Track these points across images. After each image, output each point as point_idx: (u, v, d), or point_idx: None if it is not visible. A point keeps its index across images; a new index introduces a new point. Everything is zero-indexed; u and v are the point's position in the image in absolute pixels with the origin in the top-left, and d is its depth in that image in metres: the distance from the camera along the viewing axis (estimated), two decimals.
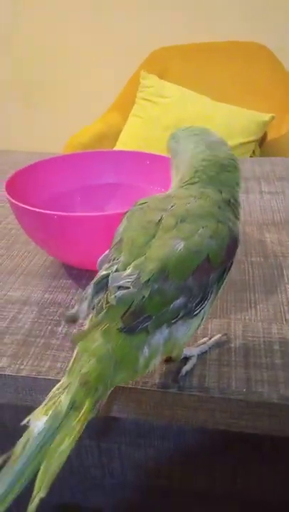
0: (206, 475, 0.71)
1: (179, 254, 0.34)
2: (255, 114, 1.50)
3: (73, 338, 0.34)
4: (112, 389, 0.34)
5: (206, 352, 0.42)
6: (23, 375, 0.41)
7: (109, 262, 0.36)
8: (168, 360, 0.41)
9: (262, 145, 1.60)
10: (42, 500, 0.29)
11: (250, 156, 1.52)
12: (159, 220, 0.36)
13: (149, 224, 0.36)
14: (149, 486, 0.76)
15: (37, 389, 0.42)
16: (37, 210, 0.49)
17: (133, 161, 0.67)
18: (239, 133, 1.48)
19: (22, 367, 0.42)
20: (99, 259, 0.38)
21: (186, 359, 0.41)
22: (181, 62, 1.72)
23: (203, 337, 0.44)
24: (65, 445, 0.30)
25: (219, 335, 0.43)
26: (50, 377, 0.41)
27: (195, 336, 0.43)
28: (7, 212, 0.72)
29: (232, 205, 0.39)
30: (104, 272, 0.35)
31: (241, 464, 0.68)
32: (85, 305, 0.35)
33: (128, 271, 0.34)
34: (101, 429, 0.71)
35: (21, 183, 0.58)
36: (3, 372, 0.42)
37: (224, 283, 0.37)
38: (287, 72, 1.66)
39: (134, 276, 0.33)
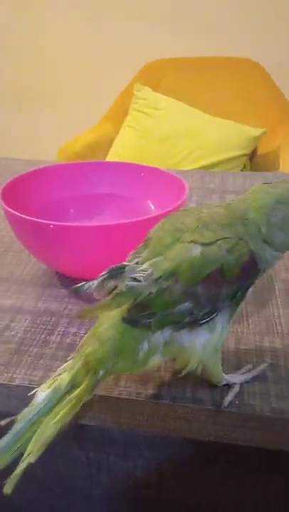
0: (193, 486, 0.71)
1: (194, 259, 0.35)
2: (247, 129, 1.52)
3: (79, 313, 0.36)
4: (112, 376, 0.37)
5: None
6: (15, 384, 0.41)
7: (133, 255, 0.38)
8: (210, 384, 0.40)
9: (252, 159, 1.62)
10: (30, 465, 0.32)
11: (241, 170, 1.55)
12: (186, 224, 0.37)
13: (179, 227, 0.37)
14: (138, 496, 0.75)
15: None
16: (31, 218, 0.49)
17: (129, 173, 0.68)
18: (230, 147, 1.50)
19: (15, 376, 0.42)
20: (130, 252, 0.39)
21: (228, 387, 0.40)
22: (175, 75, 1.74)
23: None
24: (58, 418, 0.34)
25: (265, 364, 0.42)
26: None
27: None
28: (0, 220, 0.72)
29: (263, 235, 0.38)
30: (125, 263, 0.37)
31: (230, 474, 0.68)
32: (95, 282, 0.35)
33: (144, 266, 0.36)
34: (90, 439, 0.70)
35: (16, 191, 0.58)
36: None
37: (241, 302, 0.37)
38: (279, 88, 1.69)
39: (149, 271, 0.35)
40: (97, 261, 0.51)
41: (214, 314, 0.36)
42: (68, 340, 0.46)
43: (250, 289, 0.37)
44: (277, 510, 0.69)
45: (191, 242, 0.36)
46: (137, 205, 0.64)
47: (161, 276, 0.34)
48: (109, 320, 0.36)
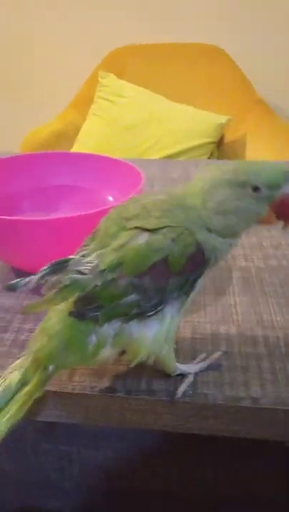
0: (164, 474, 0.72)
1: (138, 248, 0.35)
2: (213, 116, 1.52)
3: (23, 309, 0.36)
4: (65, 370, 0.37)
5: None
6: None
7: (81, 248, 0.38)
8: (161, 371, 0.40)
9: (220, 147, 1.62)
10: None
11: (209, 158, 1.55)
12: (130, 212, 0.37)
13: (124, 216, 0.37)
14: (109, 487, 0.76)
15: None
16: None
17: (89, 164, 0.67)
18: (197, 134, 1.50)
19: None
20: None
21: (182, 376, 0.40)
22: (140, 62, 1.72)
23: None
24: (9, 416, 0.34)
25: (219, 352, 0.42)
26: None
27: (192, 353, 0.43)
28: None
29: (205, 222, 0.37)
30: (70, 256, 0.36)
31: (198, 463, 0.69)
32: (33, 278, 0.35)
33: (89, 258, 0.35)
34: (59, 432, 0.70)
35: None
36: None
37: (191, 293, 0.37)
38: (245, 75, 1.69)
39: (94, 263, 0.35)
40: (52, 255, 0.50)
41: (161, 306, 0.35)
42: (23, 337, 0.45)
43: (200, 280, 0.37)
44: (253, 496, 0.71)
45: (135, 228, 0.35)
46: (95, 197, 0.63)
47: (106, 269, 0.34)
48: (56, 314, 0.36)
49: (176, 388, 0.39)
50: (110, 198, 0.63)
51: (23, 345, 0.44)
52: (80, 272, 0.34)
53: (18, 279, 0.34)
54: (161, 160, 1.26)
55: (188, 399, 0.38)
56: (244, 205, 0.36)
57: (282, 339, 0.45)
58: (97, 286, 0.34)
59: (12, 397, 0.35)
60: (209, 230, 0.37)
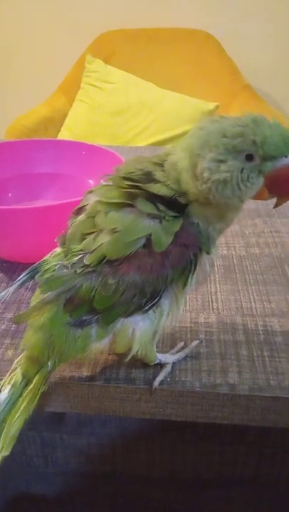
0: (147, 458, 0.73)
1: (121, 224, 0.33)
2: (200, 103, 1.51)
3: (15, 319, 0.36)
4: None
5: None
6: None
7: (61, 244, 0.37)
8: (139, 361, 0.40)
9: None
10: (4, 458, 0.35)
11: None
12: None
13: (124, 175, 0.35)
14: (93, 472, 0.77)
15: None
16: None
17: (71, 151, 0.66)
18: (185, 121, 1.49)
19: None
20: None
21: (161, 365, 0.40)
22: (127, 47, 1.70)
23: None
24: (21, 412, 0.35)
25: (197, 341, 0.42)
26: None
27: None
28: None
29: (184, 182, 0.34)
30: (45, 257, 0.36)
31: (179, 445, 0.70)
32: (11, 289, 0.36)
33: (75, 258, 0.34)
34: (42, 419, 0.71)
35: None
36: None
37: (186, 286, 0.35)
38: (233, 61, 1.68)
39: (78, 257, 0.34)
40: (35, 244, 0.50)
41: (157, 299, 0.34)
42: (3, 327, 0.45)
43: (194, 274, 0.35)
44: (235, 479, 0.72)
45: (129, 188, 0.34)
46: (78, 185, 0.63)
47: (90, 264, 0.33)
48: (45, 312, 0.35)
49: (154, 377, 0.39)
50: (92, 185, 0.62)
51: (2, 334, 0.44)
52: (64, 267, 0.34)
53: None
54: (148, 147, 1.25)
55: (166, 386, 0.39)
56: (236, 175, 0.32)
57: (261, 326, 0.45)
58: (81, 286, 0.33)
59: (20, 395, 0.35)
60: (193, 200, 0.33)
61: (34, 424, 0.72)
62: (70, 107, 1.65)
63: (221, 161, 0.32)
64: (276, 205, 0.34)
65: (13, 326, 0.45)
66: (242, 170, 0.31)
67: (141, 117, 1.50)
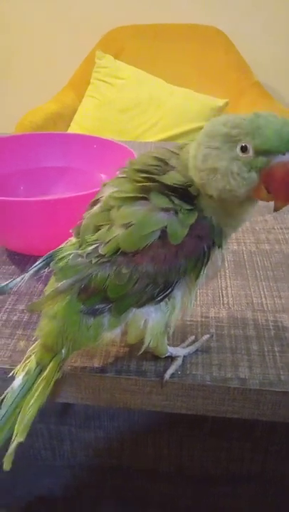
0: (154, 452, 0.73)
1: (137, 218, 0.33)
2: (210, 99, 1.50)
3: (29, 307, 0.37)
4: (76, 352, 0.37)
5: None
6: None
7: (76, 234, 0.37)
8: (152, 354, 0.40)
9: None
10: (20, 444, 0.35)
11: None
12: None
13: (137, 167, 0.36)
14: (100, 465, 0.77)
15: None
16: None
17: (81, 145, 0.66)
18: (193, 117, 1.48)
19: None
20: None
21: (172, 358, 0.40)
22: (137, 43, 1.69)
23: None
24: (35, 399, 0.35)
25: (207, 335, 0.42)
26: None
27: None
28: None
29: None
30: (61, 246, 0.37)
31: (186, 440, 0.70)
32: (26, 276, 0.36)
33: (89, 248, 0.34)
34: (50, 412, 0.71)
35: None
36: None
37: (199, 277, 0.35)
38: (242, 57, 1.67)
39: (94, 246, 0.34)
40: (45, 236, 0.50)
41: (170, 290, 0.35)
42: (15, 318, 0.46)
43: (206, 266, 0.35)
44: (242, 475, 0.72)
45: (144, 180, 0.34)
46: (89, 178, 0.63)
47: (106, 254, 0.33)
48: (59, 301, 0.35)
49: (165, 369, 0.39)
50: (103, 178, 0.63)
51: (14, 325, 0.45)
52: (79, 256, 0.34)
53: (7, 282, 0.36)
54: (157, 143, 1.25)
55: (177, 379, 0.39)
56: (229, 165, 0.30)
57: (272, 322, 0.45)
58: (96, 275, 0.33)
59: (34, 382, 0.36)
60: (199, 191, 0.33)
61: (42, 416, 0.72)
62: (79, 103, 1.65)
63: (216, 149, 0.31)
64: (275, 209, 0.31)
65: (26, 317, 0.46)
66: (234, 161, 0.30)
67: (150, 113, 1.50)
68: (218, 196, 0.32)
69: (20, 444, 0.35)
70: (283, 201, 0.31)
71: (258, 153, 0.30)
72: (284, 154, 0.29)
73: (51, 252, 0.37)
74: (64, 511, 0.86)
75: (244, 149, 0.30)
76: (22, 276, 0.36)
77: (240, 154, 0.30)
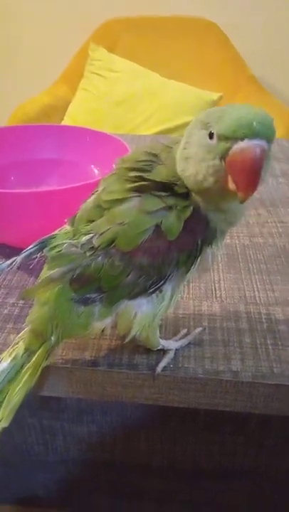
0: (147, 447, 0.73)
1: (130, 216, 0.33)
2: (204, 93, 1.50)
3: (23, 294, 0.36)
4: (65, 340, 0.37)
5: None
6: None
7: (71, 224, 0.37)
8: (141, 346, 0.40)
9: None
10: (4, 430, 0.34)
11: None
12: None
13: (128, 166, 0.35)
14: (93, 460, 0.77)
15: None
16: None
17: (75, 137, 0.65)
18: (188, 111, 1.48)
19: None
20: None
21: (164, 351, 0.40)
22: (131, 35, 1.68)
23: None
24: (21, 385, 0.35)
25: (200, 328, 0.42)
26: None
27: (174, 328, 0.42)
28: None
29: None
30: (55, 232, 0.36)
31: (179, 435, 0.70)
32: (18, 258, 0.36)
33: (84, 237, 0.34)
34: (42, 406, 0.71)
35: None
36: None
37: (192, 268, 0.35)
38: (237, 50, 1.66)
39: (88, 237, 0.34)
40: (37, 229, 0.50)
41: (162, 282, 0.35)
42: (6, 311, 0.45)
43: (206, 254, 0.35)
44: (235, 469, 0.72)
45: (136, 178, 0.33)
46: (81, 171, 0.62)
47: (99, 245, 0.33)
48: (50, 288, 0.35)
49: (157, 362, 0.39)
50: (96, 171, 0.62)
51: (4, 319, 0.44)
52: (72, 245, 0.34)
53: (1, 262, 0.35)
54: (152, 136, 1.24)
55: (169, 372, 0.39)
56: (198, 152, 0.31)
57: (265, 315, 0.45)
58: (89, 265, 0.33)
59: (21, 368, 0.35)
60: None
61: (34, 411, 0.72)
62: (72, 96, 1.63)
63: (193, 136, 0.31)
64: (240, 200, 0.29)
65: (16, 310, 0.45)
66: (201, 147, 0.30)
67: (144, 107, 1.49)
68: (192, 188, 0.33)
69: (4, 430, 0.34)
70: (243, 191, 0.29)
71: (220, 139, 0.29)
72: (242, 140, 0.28)
73: (44, 237, 0.37)
74: (59, 506, 0.86)
75: (211, 136, 0.30)
76: (13, 259, 0.35)
77: (208, 141, 0.30)
